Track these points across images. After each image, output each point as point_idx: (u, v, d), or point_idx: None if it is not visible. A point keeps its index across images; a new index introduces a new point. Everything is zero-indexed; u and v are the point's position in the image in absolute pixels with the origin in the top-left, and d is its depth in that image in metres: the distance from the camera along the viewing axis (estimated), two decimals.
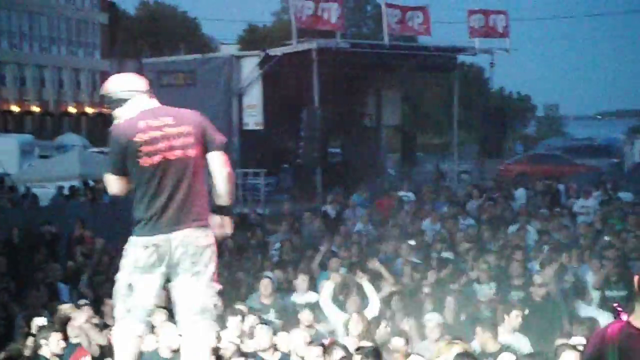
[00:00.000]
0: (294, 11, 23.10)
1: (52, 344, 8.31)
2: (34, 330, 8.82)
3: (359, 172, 26.45)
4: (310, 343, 8.08)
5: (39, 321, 8.97)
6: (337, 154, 30.24)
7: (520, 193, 21.89)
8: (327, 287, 10.32)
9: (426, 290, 11.08)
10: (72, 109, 57.93)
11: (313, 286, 11.32)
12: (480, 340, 8.50)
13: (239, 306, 9.74)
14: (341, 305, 10.29)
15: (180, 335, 5.50)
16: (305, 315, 9.66)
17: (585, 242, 14.44)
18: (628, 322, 3.27)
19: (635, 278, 3.29)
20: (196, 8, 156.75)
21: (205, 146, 5.29)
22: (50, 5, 56.21)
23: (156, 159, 5.08)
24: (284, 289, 11.56)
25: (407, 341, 8.45)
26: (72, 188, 22.24)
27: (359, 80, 27.93)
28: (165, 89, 25.50)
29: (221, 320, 9.42)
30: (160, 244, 5.10)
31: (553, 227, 16.09)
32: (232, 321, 8.93)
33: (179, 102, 22.68)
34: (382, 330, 9.09)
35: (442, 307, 10.37)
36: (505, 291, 11.51)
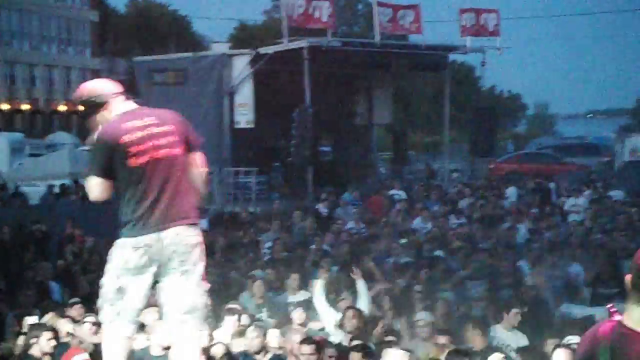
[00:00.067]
0: (285, 9, 23.09)
1: (43, 342, 8.28)
2: (25, 329, 8.80)
3: (350, 171, 26.47)
4: (303, 341, 8.08)
5: (30, 320, 8.95)
6: (328, 153, 30.24)
7: (511, 191, 21.96)
8: (319, 285, 10.32)
9: (417, 288, 11.08)
10: (62, 108, 57.76)
11: (304, 285, 11.32)
12: (469, 338, 8.53)
13: (233, 305, 9.74)
14: (333, 304, 10.29)
15: (171, 334, 5.48)
16: (298, 315, 9.66)
17: (576, 240, 14.48)
18: (620, 322, 3.26)
19: (627, 277, 3.28)
20: (187, 6, 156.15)
21: (187, 145, 5.30)
22: (41, 3, 56.02)
23: (144, 158, 5.06)
24: (275, 288, 11.56)
25: (397, 340, 8.46)
26: (62, 186, 22.20)
27: (350, 78, 27.95)
28: (156, 88, 25.50)
29: (215, 320, 9.45)
30: (152, 244, 5.07)
31: (544, 225, 16.14)
32: (229, 321, 8.93)
33: (170, 101, 22.70)
34: (379, 330, 9.10)
35: (434, 306, 10.38)
36: (495, 290, 11.53)
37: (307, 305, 10.35)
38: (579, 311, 10.16)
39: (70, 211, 17.04)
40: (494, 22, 27.58)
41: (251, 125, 23.81)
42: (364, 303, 10.03)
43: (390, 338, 8.42)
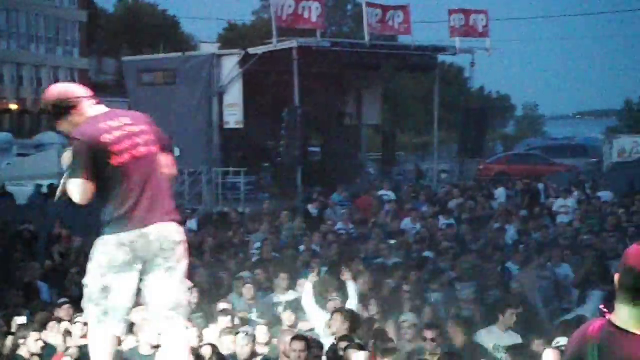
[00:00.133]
0: (274, 10, 23.07)
1: (30, 343, 8.25)
2: (14, 329, 8.77)
3: (339, 171, 26.46)
4: (294, 338, 8.09)
5: (19, 320, 8.92)
6: (317, 153, 30.24)
7: (500, 192, 21.99)
8: (308, 287, 10.32)
9: (406, 289, 11.08)
10: None
11: (294, 285, 11.32)
12: (452, 336, 8.57)
13: (225, 306, 9.75)
14: (322, 304, 10.30)
15: (159, 333, 5.47)
16: (287, 316, 9.68)
17: (564, 241, 14.51)
18: (609, 321, 3.28)
19: (615, 277, 3.30)
20: (175, 6, 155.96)
21: (160, 145, 5.33)
22: (29, 3, 55.82)
23: (125, 157, 5.06)
24: (265, 288, 11.55)
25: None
26: (51, 186, 22.12)
27: (340, 79, 27.95)
28: (145, 88, 25.47)
29: (205, 320, 9.45)
30: (137, 240, 5.07)
31: (532, 226, 16.18)
32: (221, 322, 8.94)
33: (159, 101, 22.66)
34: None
35: (422, 307, 10.39)
36: (484, 291, 11.54)
37: (296, 305, 10.36)
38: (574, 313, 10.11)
39: (59, 211, 16.98)
40: (483, 23, 27.63)
41: (240, 126, 23.79)
42: (353, 304, 10.04)
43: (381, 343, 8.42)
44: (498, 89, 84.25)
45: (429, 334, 8.34)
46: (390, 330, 9.43)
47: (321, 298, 10.44)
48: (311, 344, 7.99)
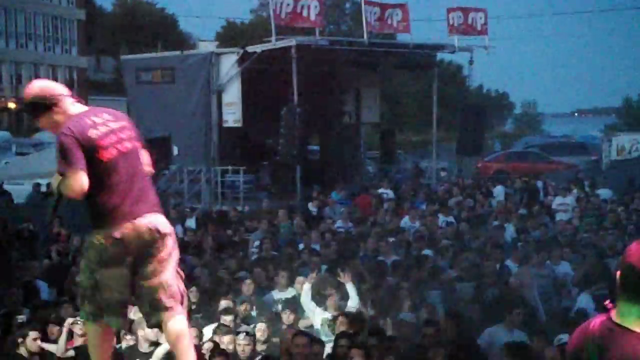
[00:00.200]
0: (273, 8, 23.03)
1: (29, 342, 8.25)
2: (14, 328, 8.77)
3: (338, 170, 26.45)
4: (297, 333, 8.12)
5: (20, 318, 8.93)
6: (316, 152, 30.23)
7: (498, 190, 22.00)
8: (306, 286, 10.35)
9: (405, 286, 11.08)
10: None
11: (293, 282, 11.33)
12: (444, 329, 8.60)
13: (226, 304, 9.76)
14: (321, 302, 10.31)
15: (160, 329, 5.44)
16: (286, 316, 9.71)
17: (563, 239, 14.52)
18: (609, 318, 3.30)
19: (616, 274, 3.31)
20: (174, 4, 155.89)
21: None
22: (27, 1, 55.79)
23: (112, 151, 5.07)
24: (264, 286, 11.56)
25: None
26: (49, 186, 22.08)
27: (338, 77, 27.91)
28: (143, 86, 25.45)
29: (206, 318, 9.45)
30: (126, 233, 5.05)
31: (531, 224, 16.18)
32: (223, 320, 8.95)
33: (157, 99, 22.59)
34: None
35: (421, 305, 10.40)
36: (482, 289, 11.54)
37: (295, 302, 10.38)
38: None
39: (58, 210, 16.92)
40: (482, 21, 27.62)
41: (239, 124, 23.76)
42: (353, 304, 10.05)
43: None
44: (497, 87, 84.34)
45: (428, 331, 8.36)
46: (389, 329, 9.45)
47: (320, 296, 10.46)
48: (313, 340, 8.02)
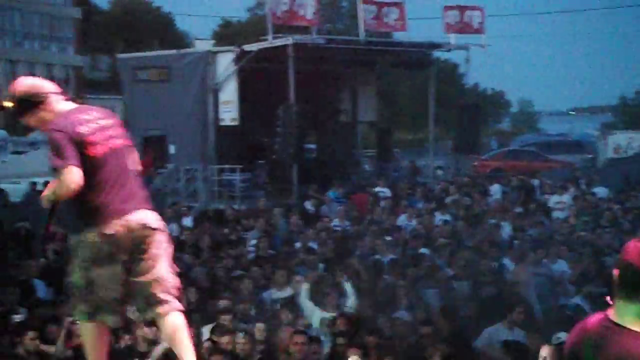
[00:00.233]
0: (269, 6, 23.03)
1: (27, 341, 8.24)
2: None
3: (335, 168, 26.45)
4: (296, 332, 8.13)
5: (17, 318, 8.91)
6: (312, 150, 30.22)
7: (495, 189, 22.01)
8: (304, 286, 10.36)
9: (401, 285, 11.08)
10: None
11: (290, 281, 11.33)
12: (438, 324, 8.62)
13: (224, 303, 9.76)
14: (319, 301, 10.32)
15: (156, 327, 5.44)
16: (284, 315, 9.71)
17: (560, 237, 14.53)
18: (606, 315, 3.31)
19: (614, 272, 3.32)
20: (170, 3, 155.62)
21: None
22: (23, 0, 55.69)
23: (102, 148, 5.07)
24: (261, 285, 11.55)
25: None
26: (46, 184, 22.05)
27: (335, 76, 27.93)
28: (140, 85, 25.42)
29: (204, 317, 9.45)
30: (120, 230, 5.05)
31: (528, 222, 16.19)
32: (222, 320, 8.95)
33: (154, 98, 22.53)
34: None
35: (418, 304, 10.41)
36: (479, 287, 11.55)
37: (292, 301, 10.38)
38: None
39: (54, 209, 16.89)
40: (479, 20, 27.61)
41: (236, 123, 23.76)
42: (350, 304, 10.07)
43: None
44: (493, 85, 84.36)
45: (425, 330, 8.37)
46: (386, 327, 9.46)
47: (318, 296, 10.46)
48: (311, 339, 8.04)
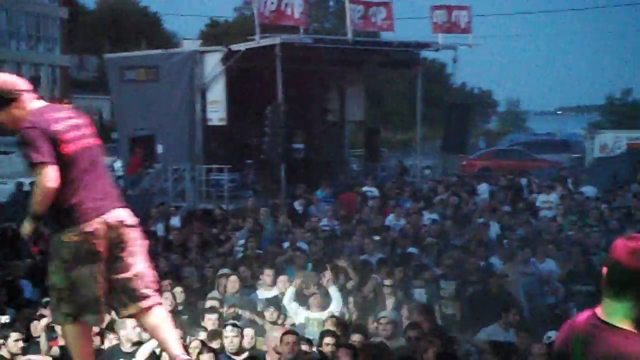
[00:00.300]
0: (257, 6, 22.98)
1: (10, 343, 8.19)
2: None
3: (323, 168, 26.44)
4: (287, 332, 8.12)
5: (3, 319, 8.87)
6: (300, 150, 30.20)
7: (483, 188, 22.05)
8: (290, 290, 10.36)
9: (388, 284, 11.06)
10: None
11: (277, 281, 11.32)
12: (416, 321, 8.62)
13: (212, 302, 9.74)
14: (304, 302, 10.31)
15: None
16: (269, 314, 9.71)
17: (548, 236, 14.56)
18: (594, 314, 3.32)
19: (603, 270, 3.32)
20: (157, 3, 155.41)
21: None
22: None
23: (75, 146, 5.07)
24: (249, 285, 11.54)
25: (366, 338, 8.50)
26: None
27: (323, 75, 27.91)
28: (127, 85, 25.34)
29: (192, 317, 9.42)
30: (98, 228, 5.04)
31: (516, 222, 16.23)
32: (208, 319, 8.93)
33: (141, 98, 22.47)
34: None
35: (406, 303, 10.41)
36: (466, 287, 11.56)
37: (278, 301, 10.37)
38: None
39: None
40: (466, 19, 27.65)
41: (224, 123, 23.71)
42: (336, 308, 10.06)
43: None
44: (480, 85, 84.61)
45: (412, 333, 8.36)
46: (371, 327, 9.45)
47: (303, 296, 10.45)
48: (302, 339, 8.03)
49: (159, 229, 16.51)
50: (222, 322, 9.08)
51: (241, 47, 23.37)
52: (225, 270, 11.86)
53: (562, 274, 12.06)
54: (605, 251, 12.26)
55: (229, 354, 8.39)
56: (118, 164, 27.65)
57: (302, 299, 10.44)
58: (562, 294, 11.62)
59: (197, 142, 23.91)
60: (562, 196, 19.18)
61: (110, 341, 8.46)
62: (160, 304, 5.32)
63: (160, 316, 5.27)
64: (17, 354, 8.20)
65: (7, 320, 8.82)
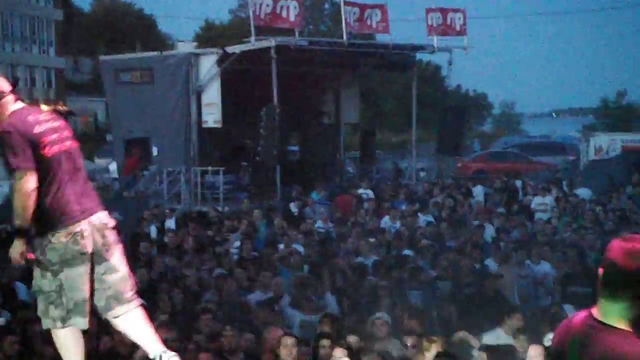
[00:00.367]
0: (252, 8, 22.99)
1: (6, 346, 8.16)
2: None
3: (318, 170, 26.45)
4: (285, 334, 8.10)
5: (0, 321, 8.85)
6: (295, 152, 30.23)
7: (478, 190, 22.07)
8: (286, 299, 10.36)
9: (383, 284, 11.05)
10: None
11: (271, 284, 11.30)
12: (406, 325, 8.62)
13: (209, 305, 9.74)
14: (299, 305, 10.30)
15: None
16: (263, 315, 9.70)
17: (543, 238, 14.57)
18: (591, 314, 3.33)
19: (599, 271, 3.33)
20: (152, 5, 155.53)
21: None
22: (4, 1, 55.35)
23: (56, 148, 5.06)
24: (245, 287, 11.52)
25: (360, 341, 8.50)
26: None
27: (318, 78, 27.93)
28: (122, 87, 25.33)
29: (191, 319, 9.40)
30: (84, 229, 5.04)
31: (511, 224, 16.24)
32: (203, 320, 8.92)
33: (136, 100, 22.40)
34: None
35: (403, 305, 10.40)
36: (460, 289, 11.55)
37: (273, 303, 10.36)
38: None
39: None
40: (461, 22, 27.70)
41: (219, 125, 23.72)
42: (331, 311, 10.05)
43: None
44: (475, 87, 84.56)
45: (410, 341, 8.33)
46: (367, 329, 9.44)
47: (299, 299, 10.44)
48: (300, 342, 8.01)
49: (152, 231, 16.50)
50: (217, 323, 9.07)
51: (236, 49, 23.38)
52: (219, 271, 11.85)
53: (558, 276, 12.05)
54: (601, 253, 12.30)
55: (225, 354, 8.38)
56: (113, 166, 27.64)
57: (299, 301, 10.42)
58: (557, 295, 11.62)
59: (192, 144, 23.91)
60: (557, 198, 19.21)
61: (105, 343, 8.44)
62: (140, 304, 5.32)
63: (142, 317, 5.28)
64: (13, 356, 8.18)
65: (3, 323, 8.79)
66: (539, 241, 14.13)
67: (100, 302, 5.20)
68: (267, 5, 22.84)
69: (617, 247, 3.27)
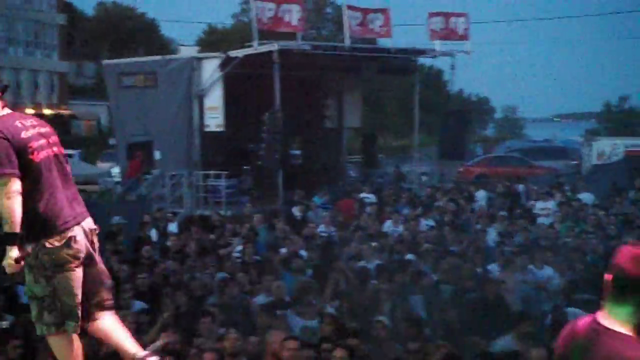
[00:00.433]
0: (255, 13, 23.02)
1: (9, 349, 8.16)
2: None
3: (320, 174, 26.46)
4: (288, 337, 8.09)
5: (3, 324, 8.84)
6: (298, 156, 30.23)
7: (480, 195, 22.05)
8: (285, 290, 10.34)
9: (384, 288, 11.04)
10: (29, 111, 57.20)
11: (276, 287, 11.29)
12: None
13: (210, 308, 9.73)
14: (301, 310, 10.29)
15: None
16: (262, 320, 9.69)
17: (546, 243, 14.56)
18: (595, 318, 3.33)
19: (606, 277, 3.34)
20: (155, 9, 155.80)
21: None
22: (7, 6, 55.45)
23: (43, 154, 5.04)
24: (247, 291, 11.52)
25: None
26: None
27: (320, 82, 27.96)
28: (125, 91, 25.35)
29: (193, 322, 9.40)
30: (75, 234, 5.04)
31: (513, 228, 16.22)
32: (203, 324, 8.91)
33: (139, 104, 22.38)
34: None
35: (405, 309, 10.39)
36: (463, 294, 11.54)
37: (276, 307, 10.35)
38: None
39: None
40: (464, 26, 27.71)
41: (221, 129, 23.73)
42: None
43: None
44: (477, 92, 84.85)
45: (412, 347, 8.32)
46: (368, 332, 9.43)
47: (301, 304, 10.42)
48: (303, 345, 7.99)
49: (154, 235, 16.50)
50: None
51: (239, 53, 23.41)
52: (221, 275, 11.85)
53: (563, 282, 12.02)
54: (603, 258, 12.29)
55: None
56: (116, 170, 27.65)
57: (299, 306, 10.40)
58: (560, 300, 11.59)
59: (194, 148, 23.92)
60: (560, 203, 19.18)
61: (105, 347, 8.42)
62: (113, 310, 5.36)
63: (117, 321, 5.31)
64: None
65: (7, 326, 8.79)
66: (542, 246, 14.11)
67: (88, 307, 5.21)
68: (270, 10, 22.87)
69: (625, 252, 3.29)
